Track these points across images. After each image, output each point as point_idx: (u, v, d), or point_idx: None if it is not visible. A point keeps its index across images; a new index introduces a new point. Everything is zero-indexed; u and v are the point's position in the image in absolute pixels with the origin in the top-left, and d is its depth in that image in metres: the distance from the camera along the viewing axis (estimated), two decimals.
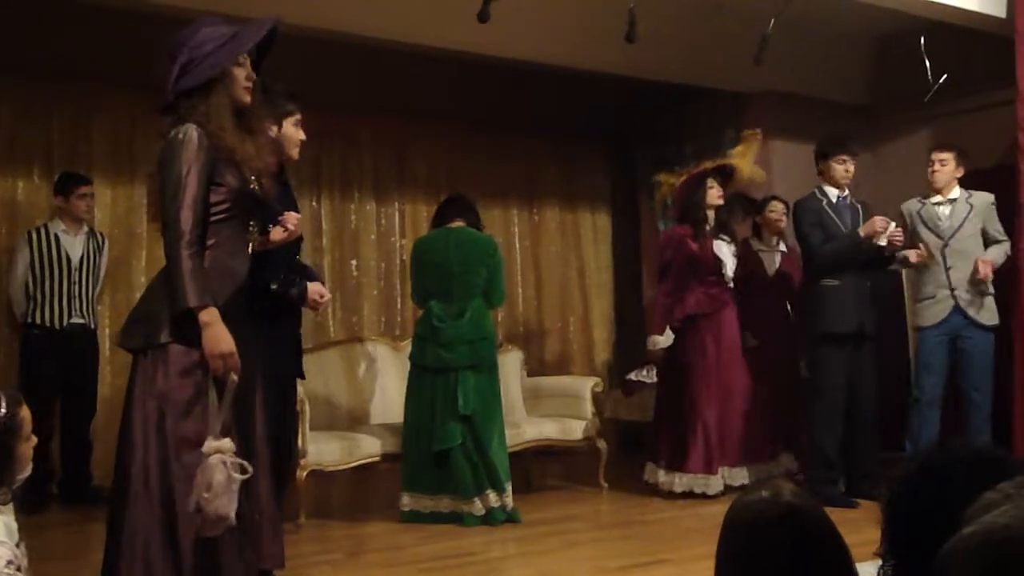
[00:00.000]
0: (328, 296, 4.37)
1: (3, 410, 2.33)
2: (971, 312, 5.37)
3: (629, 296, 8.27)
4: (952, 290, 5.39)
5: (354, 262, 7.29)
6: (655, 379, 5.99)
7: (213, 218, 3.02)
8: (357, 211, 7.31)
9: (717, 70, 6.71)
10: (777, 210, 6.38)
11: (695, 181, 5.89)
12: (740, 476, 5.77)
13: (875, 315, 5.58)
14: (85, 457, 5.86)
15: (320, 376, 5.86)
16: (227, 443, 2.86)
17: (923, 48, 6.23)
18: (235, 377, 2.91)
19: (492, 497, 5.15)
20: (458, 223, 5.39)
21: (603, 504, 5.86)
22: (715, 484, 5.67)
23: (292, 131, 4.11)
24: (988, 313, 5.40)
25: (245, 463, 2.87)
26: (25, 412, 2.39)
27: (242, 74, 3.09)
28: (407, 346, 6.18)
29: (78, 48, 5.94)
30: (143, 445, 2.92)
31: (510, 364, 6.43)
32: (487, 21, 4.92)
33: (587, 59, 6.38)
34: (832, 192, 5.59)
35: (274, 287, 4.04)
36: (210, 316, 2.89)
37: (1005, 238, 5.49)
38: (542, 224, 8.11)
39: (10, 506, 2.43)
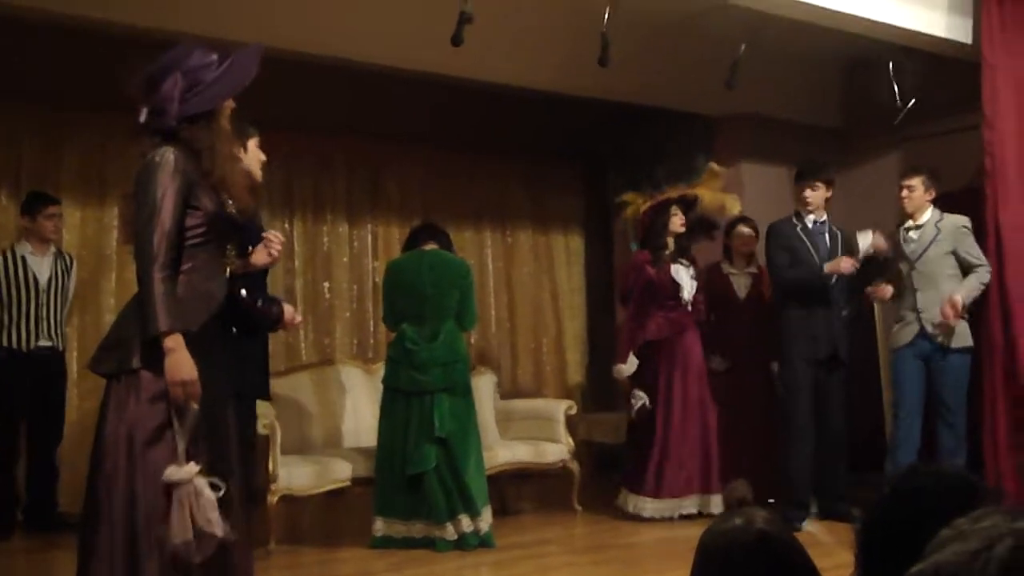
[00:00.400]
0: (299, 318, 4.40)
1: None
2: (937, 336, 5.39)
3: (602, 318, 8.27)
4: (919, 313, 5.42)
5: (326, 284, 7.25)
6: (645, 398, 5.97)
7: (189, 242, 3.02)
8: (330, 233, 7.27)
9: (689, 93, 6.75)
10: (743, 234, 6.40)
11: (659, 208, 6.01)
12: (691, 504, 5.79)
13: (848, 339, 5.61)
14: (51, 483, 5.77)
15: (291, 399, 5.81)
16: (193, 466, 2.86)
17: (891, 73, 6.30)
18: (195, 405, 2.90)
19: (465, 522, 5.11)
20: (431, 246, 5.39)
21: (577, 527, 5.85)
22: (663, 509, 5.73)
23: (255, 152, 4.16)
24: (957, 337, 5.40)
25: (216, 480, 2.88)
26: None
27: (230, 102, 3.12)
28: (379, 369, 6.15)
29: (48, 71, 5.89)
30: (113, 471, 2.90)
31: (483, 387, 6.40)
32: (460, 45, 4.93)
33: (560, 82, 6.41)
34: (809, 217, 5.65)
35: (259, 304, 4.05)
36: (174, 342, 2.88)
37: (981, 262, 5.46)
38: (515, 246, 8.11)
39: None
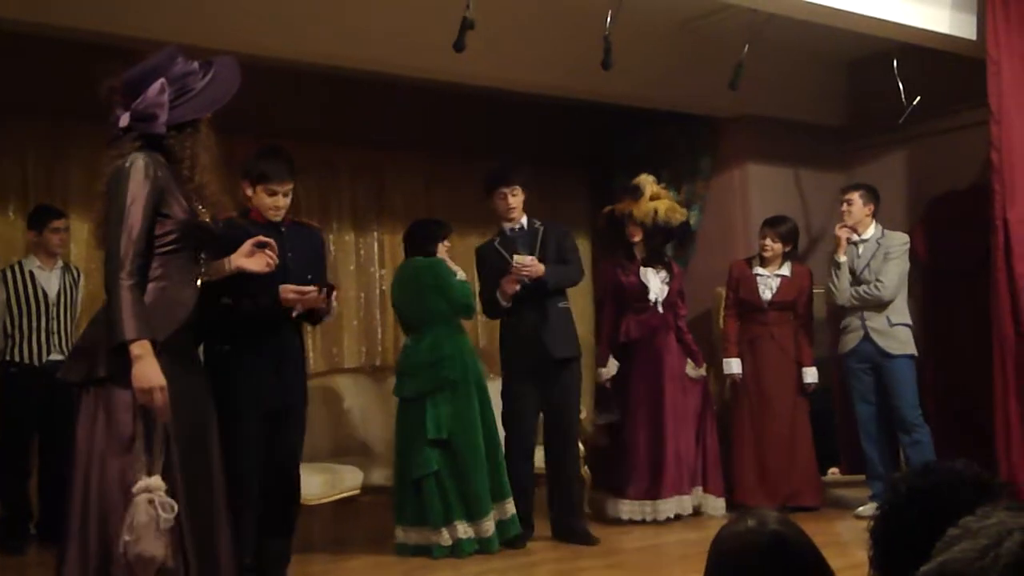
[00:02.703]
0: (308, 291, 4.24)
1: None
2: (879, 342, 5.76)
3: None
4: (864, 322, 5.80)
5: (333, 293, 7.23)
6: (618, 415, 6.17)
7: (160, 250, 2.99)
8: (336, 242, 7.27)
9: (692, 95, 6.75)
10: (764, 237, 6.27)
11: (609, 219, 6.25)
12: (671, 507, 5.91)
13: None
14: (63, 496, 5.77)
15: None
16: (156, 481, 2.81)
17: (896, 70, 6.29)
18: (163, 415, 2.87)
19: (461, 527, 5.07)
20: (410, 258, 5.47)
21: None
22: (641, 511, 5.89)
23: (264, 198, 4.25)
24: (897, 343, 5.76)
25: (173, 502, 2.81)
26: None
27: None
28: (387, 376, 6.15)
29: (51, 84, 5.90)
30: (83, 484, 2.87)
31: (492, 392, 6.38)
32: (463, 51, 4.93)
33: (563, 86, 6.41)
34: (505, 225, 5.57)
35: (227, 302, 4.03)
36: (142, 349, 2.84)
37: (880, 281, 5.76)
38: None
39: None
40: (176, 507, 2.82)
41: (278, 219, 4.30)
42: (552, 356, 5.33)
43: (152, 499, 2.78)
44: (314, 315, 4.43)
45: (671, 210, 6.16)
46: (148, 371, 2.83)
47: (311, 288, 4.22)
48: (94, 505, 2.85)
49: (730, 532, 1.72)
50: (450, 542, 5.06)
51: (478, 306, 5.54)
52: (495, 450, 5.25)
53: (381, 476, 5.56)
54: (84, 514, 2.86)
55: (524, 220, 5.52)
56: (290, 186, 4.29)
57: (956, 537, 1.09)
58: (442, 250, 5.47)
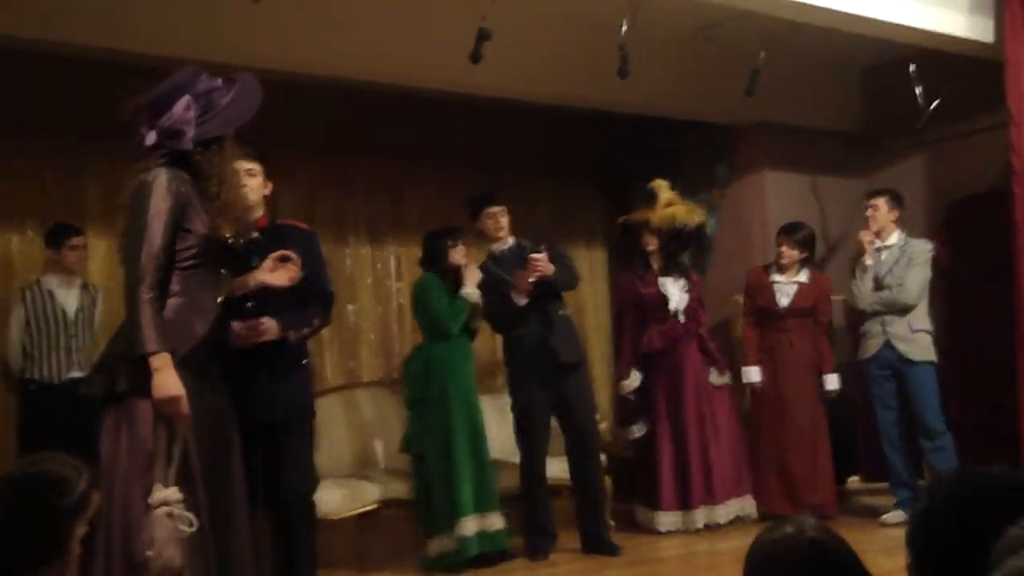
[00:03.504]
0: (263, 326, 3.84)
1: (82, 486, 2.24)
2: (900, 348, 5.73)
3: None
4: (884, 327, 5.77)
5: (350, 307, 7.23)
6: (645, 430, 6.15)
7: (180, 265, 3.01)
8: (352, 255, 7.26)
9: (708, 103, 6.73)
10: (780, 244, 6.25)
11: (624, 229, 6.27)
12: (700, 517, 5.89)
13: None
14: None
15: (320, 423, 5.78)
16: (173, 493, 2.82)
17: (913, 75, 6.26)
18: (186, 423, 2.88)
19: (433, 543, 5.14)
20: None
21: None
22: (674, 522, 5.87)
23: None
24: (918, 349, 5.73)
25: (191, 516, 2.82)
26: (97, 497, 2.33)
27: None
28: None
29: (67, 102, 5.92)
30: (107, 499, 2.87)
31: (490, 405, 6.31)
32: (479, 62, 4.93)
33: (580, 96, 6.40)
34: (494, 247, 5.63)
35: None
36: (161, 361, 2.86)
37: (902, 286, 5.76)
38: None
39: None
40: (195, 521, 2.82)
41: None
42: (560, 361, 5.34)
43: (171, 512, 2.79)
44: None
45: (689, 212, 6.14)
46: (168, 381, 2.85)
47: (266, 322, 3.82)
48: (118, 520, 2.87)
49: (767, 540, 1.69)
50: (430, 556, 5.12)
51: (456, 327, 5.35)
52: (471, 462, 5.13)
53: (401, 489, 5.54)
54: (108, 529, 2.86)
55: (511, 240, 5.57)
56: (252, 165, 3.84)
57: (1020, 539, 1.07)
58: (458, 254, 5.48)
